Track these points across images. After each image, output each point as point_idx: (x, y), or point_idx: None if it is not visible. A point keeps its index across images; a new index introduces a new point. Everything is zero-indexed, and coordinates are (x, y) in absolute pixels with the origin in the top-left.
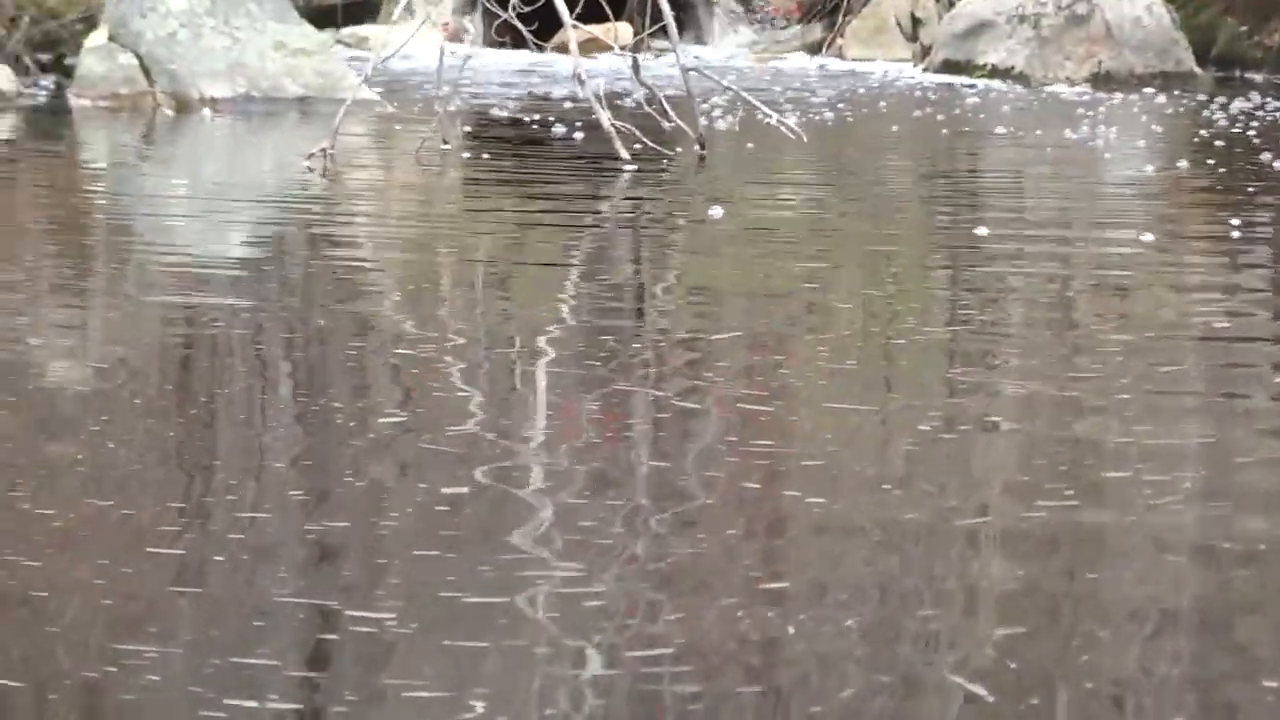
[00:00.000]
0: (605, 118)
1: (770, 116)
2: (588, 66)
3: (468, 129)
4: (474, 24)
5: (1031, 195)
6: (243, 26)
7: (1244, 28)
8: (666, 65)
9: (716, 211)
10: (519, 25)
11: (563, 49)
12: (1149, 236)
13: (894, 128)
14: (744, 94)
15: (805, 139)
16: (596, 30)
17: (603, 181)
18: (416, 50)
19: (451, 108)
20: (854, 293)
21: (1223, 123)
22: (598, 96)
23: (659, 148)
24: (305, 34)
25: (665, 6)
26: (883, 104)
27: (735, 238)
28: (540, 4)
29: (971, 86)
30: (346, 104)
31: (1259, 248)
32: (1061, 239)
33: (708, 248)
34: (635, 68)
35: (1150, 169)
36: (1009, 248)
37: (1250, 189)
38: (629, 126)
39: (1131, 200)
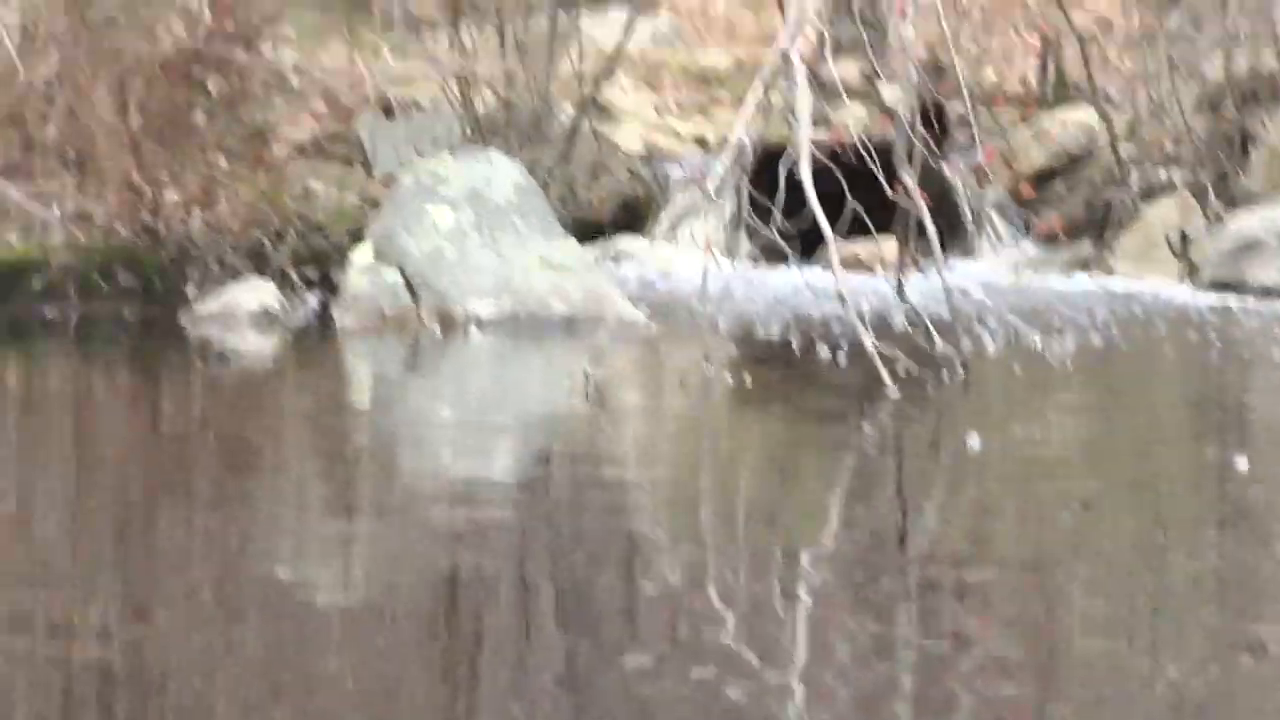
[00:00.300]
0: (868, 340)
1: (1035, 340)
2: (853, 285)
3: (731, 351)
4: (740, 241)
5: None
6: (508, 243)
7: None
8: (934, 283)
9: (975, 442)
10: (781, 243)
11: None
12: None
13: (1164, 351)
14: (1008, 316)
15: (1070, 364)
16: (860, 249)
17: (865, 407)
18: (681, 268)
19: (717, 329)
20: (1113, 530)
21: None
22: (861, 317)
23: (923, 371)
24: (570, 250)
25: (930, 226)
26: (1152, 326)
27: (994, 469)
28: (806, 223)
29: (1243, 308)
30: (609, 325)
31: None
32: None
33: (964, 480)
34: (899, 287)
35: None
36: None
37: None
38: (892, 349)
39: None
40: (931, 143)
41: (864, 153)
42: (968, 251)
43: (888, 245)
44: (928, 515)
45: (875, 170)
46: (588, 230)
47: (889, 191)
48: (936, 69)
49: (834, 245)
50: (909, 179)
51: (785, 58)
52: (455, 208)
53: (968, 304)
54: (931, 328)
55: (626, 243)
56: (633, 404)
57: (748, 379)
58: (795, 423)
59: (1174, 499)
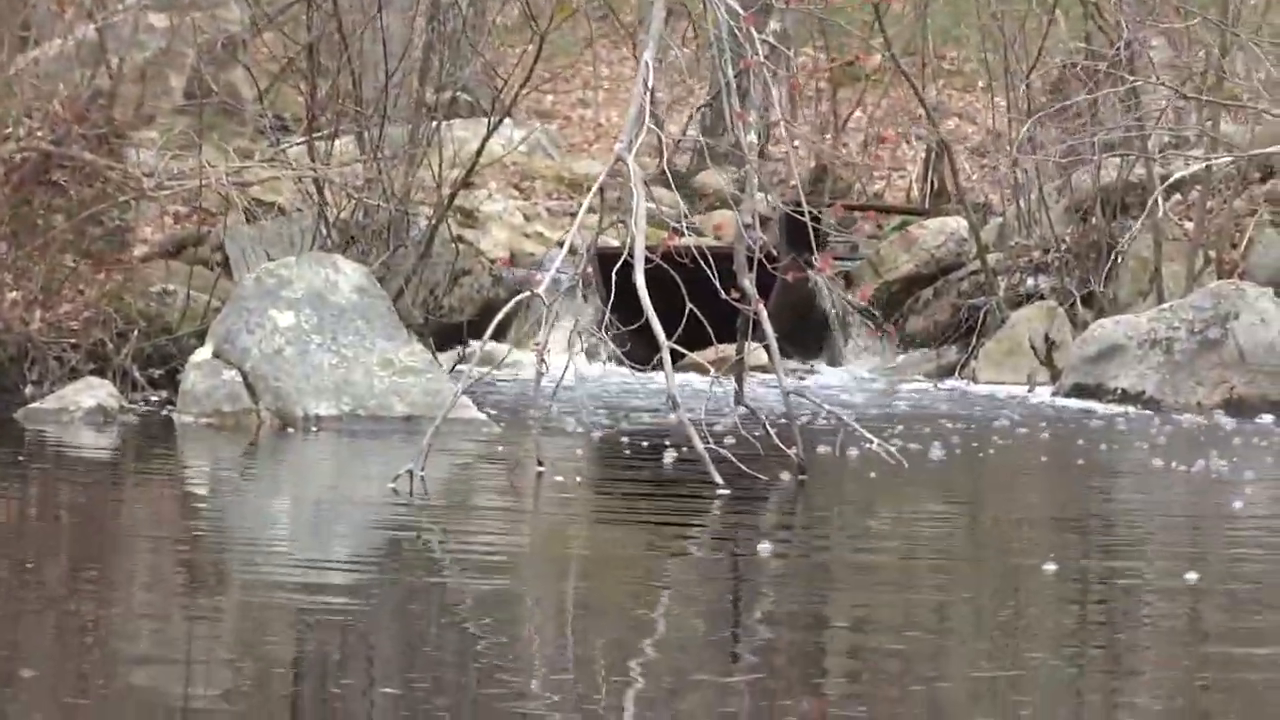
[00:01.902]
0: (698, 443)
1: (871, 442)
2: (700, 387)
3: (575, 451)
4: (602, 345)
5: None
6: (350, 344)
7: None
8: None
9: (765, 548)
10: (611, 346)
11: (696, 368)
12: (1191, 576)
13: (1012, 458)
14: (844, 417)
15: (906, 465)
16: (706, 354)
17: (692, 509)
18: (550, 370)
19: (568, 428)
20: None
21: None
22: (693, 421)
23: (755, 473)
24: (413, 352)
25: (768, 329)
26: (1007, 431)
27: (782, 577)
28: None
29: (1099, 412)
30: (435, 425)
31: None
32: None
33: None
34: (738, 392)
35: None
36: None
37: None
38: (725, 451)
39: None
40: (804, 250)
41: (701, 260)
42: (834, 359)
43: (755, 350)
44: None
45: (712, 277)
46: (449, 335)
47: (724, 296)
48: (820, 179)
49: (666, 349)
50: (747, 284)
51: (620, 160)
52: (296, 309)
53: (813, 408)
54: (770, 431)
55: (487, 346)
56: (456, 503)
57: (578, 479)
58: (616, 524)
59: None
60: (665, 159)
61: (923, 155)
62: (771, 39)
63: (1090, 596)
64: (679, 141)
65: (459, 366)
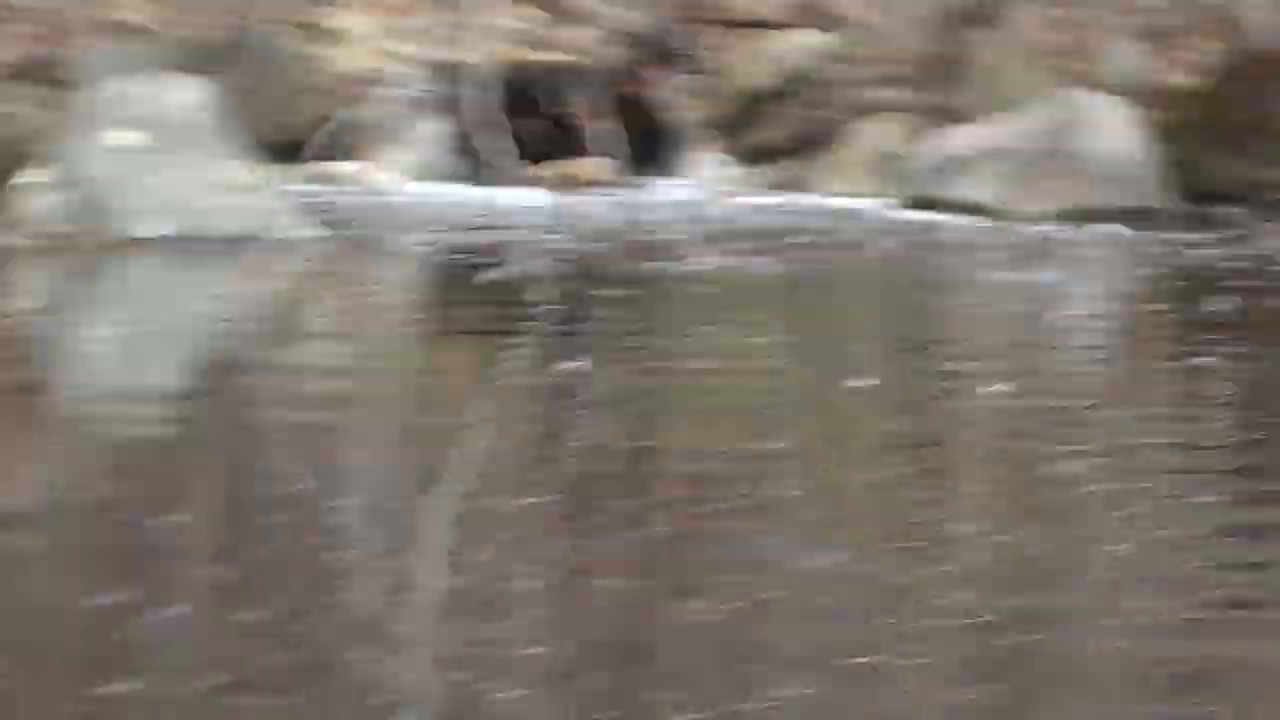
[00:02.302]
0: (524, 258)
1: (689, 256)
2: (540, 203)
3: (410, 270)
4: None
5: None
6: (188, 163)
7: (1236, 163)
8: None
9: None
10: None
11: (559, 185)
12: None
13: (848, 269)
14: (672, 232)
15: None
16: (577, 167)
17: (513, 328)
18: (386, 189)
19: (401, 249)
20: None
21: (1191, 263)
22: (525, 238)
23: (580, 288)
24: (250, 171)
25: (606, 147)
26: (846, 244)
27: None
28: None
29: (939, 223)
30: (260, 242)
31: None
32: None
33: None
34: (567, 207)
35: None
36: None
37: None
38: (554, 265)
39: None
40: (653, 66)
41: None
42: (677, 171)
43: (596, 163)
44: None
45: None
46: (294, 151)
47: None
48: None
49: (498, 165)
50: (584, 101)
51: None
52: (133, 129)
53: (643, 221)
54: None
55: (333, 165)
56: (288, 319)
57: (411, 296)
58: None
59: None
60: None
61: None
62: None
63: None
64: None
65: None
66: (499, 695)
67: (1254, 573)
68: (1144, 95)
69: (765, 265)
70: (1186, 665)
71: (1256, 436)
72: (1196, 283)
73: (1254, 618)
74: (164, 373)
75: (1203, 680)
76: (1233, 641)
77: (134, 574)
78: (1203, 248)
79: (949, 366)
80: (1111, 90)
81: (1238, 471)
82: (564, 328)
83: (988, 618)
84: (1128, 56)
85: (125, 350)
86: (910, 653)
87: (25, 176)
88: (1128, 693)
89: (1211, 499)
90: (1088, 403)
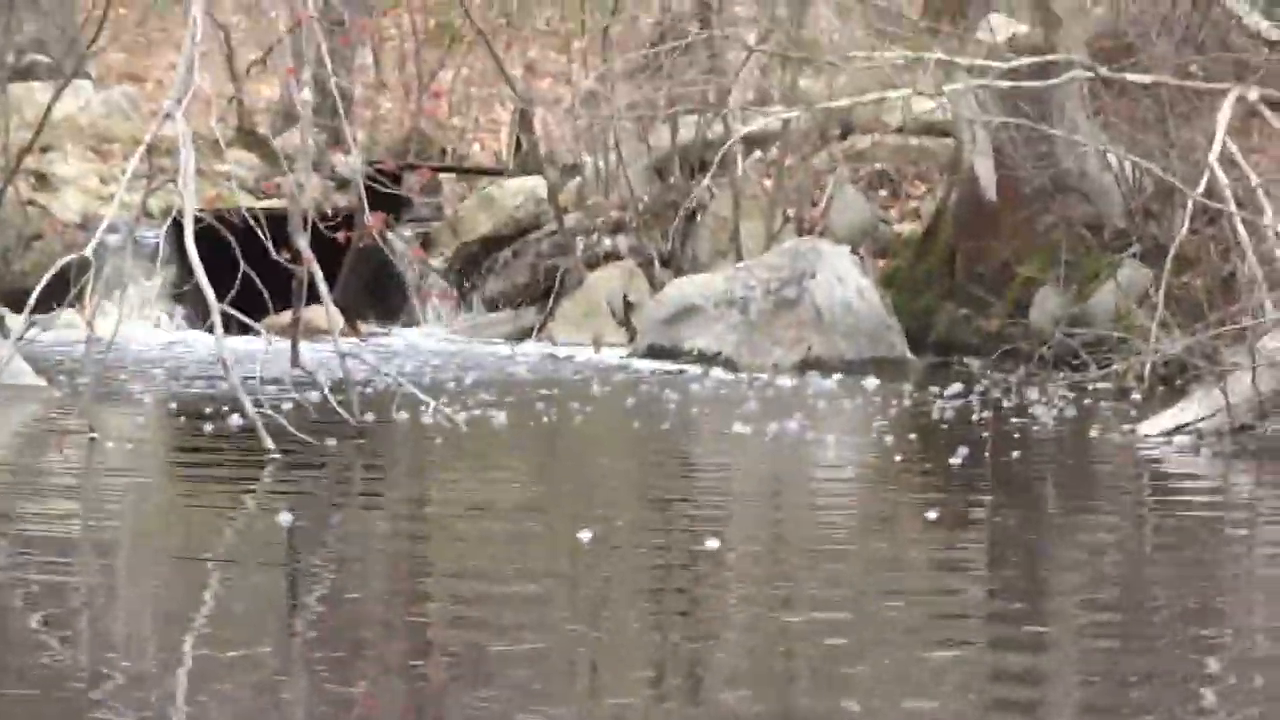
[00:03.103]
0: (248, 405)
1: (427, 406)
2: (256, 350)
3: (133, 418)
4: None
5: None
6: None
7: (964, 312)
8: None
9: (286, 518)
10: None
11: (282, 331)
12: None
13: (579, 419)
14: (401, 380)
15: (465, 429)
16: (308, 314)
17: (238, 475)
18: (111, 335)
19: (125, 395)
20: None
21: (930, 414)
22: (245, 384)
23: (307, 438)
24: None
25: (324, 291)
26: (577, 391)
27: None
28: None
29: (677, 373)
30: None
31: None
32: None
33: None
34: (294, 354)
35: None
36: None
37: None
38: (278, 416)
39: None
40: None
41: (253, 222)
42: (411, 320)
43: (335, 311)
44: None
45: (265, 240)
46: (21, 299)
47: (275, 256)
48: (419, 140)
49: (216, 311)
50: (302, 244)
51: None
52: None
53: (370, 372)
54: (327, 394)
55: (58, 312)
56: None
57: (127, 446)
58: (165, 488)
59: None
60: (219, 119)
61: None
62: None
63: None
64: (235, 99)
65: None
66: None
67: None
68: (873, 243)
69: (504, 416)
70: None
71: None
72: (944, 434)
73: None
74: None
75: None
76: None
77: None
78: (941, 399)
79: (675, 516)
80: (840, 239)
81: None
82: (297, 478)
83: None
84: (856, 205)
85: None
86: None
87: None
88: None
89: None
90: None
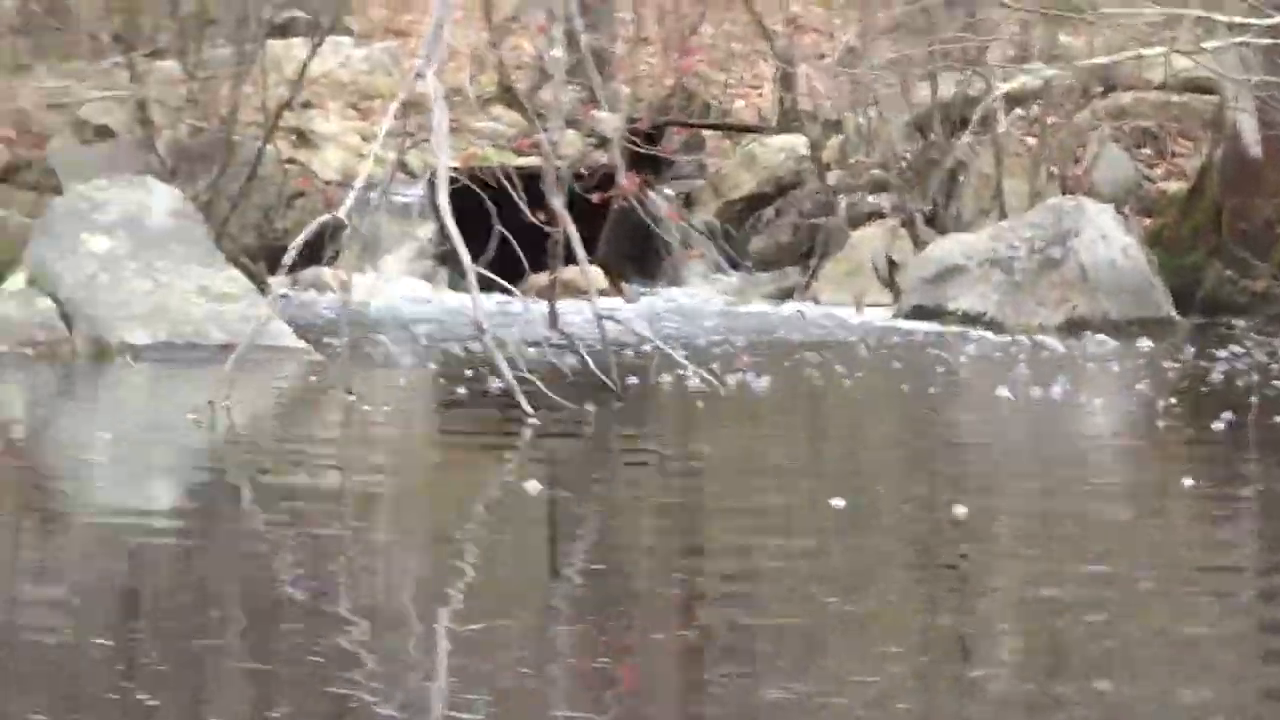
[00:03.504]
0: (505, 370)
1: (686, 369)
2: (515, 312)
3: (395, 378)
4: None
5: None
6: (165, 270)
7: (1229, 272)
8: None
9: (534, 487)
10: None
11: (540, 293)
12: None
13: (846, 382)
14: (659, 343)
15: (721, 391)
16: (567, 274)
17: (500, 439)
18: (372, 295)
19: (385, 357)
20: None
21: (1195, 376)
22: (500, 345)
23: (564, 401)
24: (231, 278)
25: (580, 252)
26: (842, 353)
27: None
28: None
29: (939, 335)
30: (235, 355)
31: None
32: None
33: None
34: (551, 316)
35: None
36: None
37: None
38: (535, 379)
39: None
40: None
41: (506, 182)
42: (676, 280)
43: (594, 272)
44: None
45: (519, 199)
46: (277, 259)
47: (530, 217)
48: (683, 96)
49: (471, 273)
50: (557, 204)
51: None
52: (110, 234)
53: (629, 333)
54: (586, 355)
55: (322, 270)
56: (260, 431)
57: (385, 408)
58: (422, 451)
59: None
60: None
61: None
62: None
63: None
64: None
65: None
66: None
67: None
68: (1137, 201)
69: (766, 379)
70: None
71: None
72: (1208, 398)
73: None
74: (168, 487)
75: None
76: None
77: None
78: (1210, 360)
79: (937, 484)
80: (1104, 198)
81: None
82: (552, 445)
83: None
84: (1120, 163)
85: (123, 464)
86: None
87: (9, 283)
88: None
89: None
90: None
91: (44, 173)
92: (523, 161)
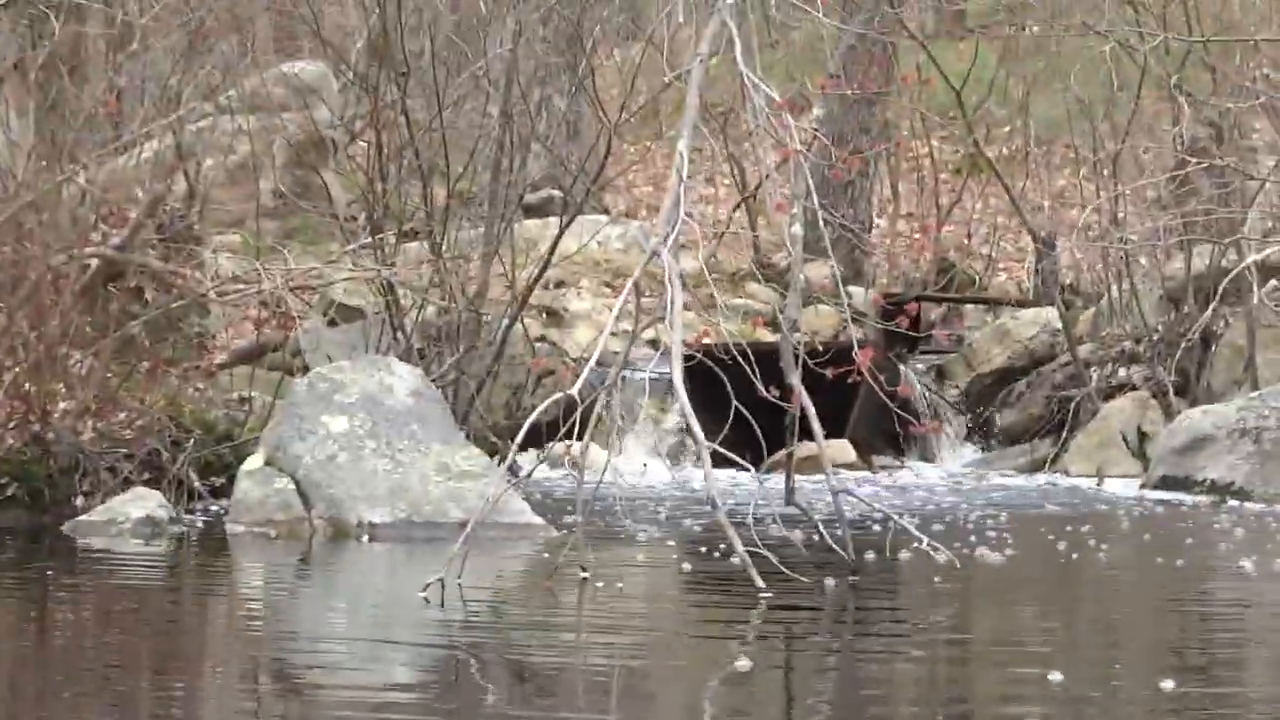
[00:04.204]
0: (738, 544)
1: (921, 541)
2: (751, 488)
3: (628, 555)
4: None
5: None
6: (405, 449)
7: None
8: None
9: (744, 664)
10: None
11: (775, 468)
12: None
13: (1100, 555)
14: (895, 517)
15: (958, 565)
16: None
17: (730, 613)
18: (618, 473)
19: (621, 532)
20: None
21: None
22: (735, 523)
23: (797, 575)
24: (470, 456)
25: (816, 427)
26: (1089, 527)
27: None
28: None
29: (1191, 504)
30: (467, 531)
31: None
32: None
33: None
34: (788, 490)
35: None
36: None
37: None
38: (767, 553)
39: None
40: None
41: (740, 358)
42: (926, 454)
43: (839, 447)
44: None
45: (753, 375)
46: (531, 437)
47: (763, 392)
48: (940, 269)
49: (706, 450)
50: (794, 380)
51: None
52: (350, 414)
53: (864, 508)
54: (823, 530)
55: (559, 448)
56: (487, 609)
57: (619, 586)
58: (648, 630)
59: None
60: (704, 253)
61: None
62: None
63: None
64: (720, 234)
65: (516, 469)
66: None
67: None
68: None
69: (1003, 552)
70: None
71: None
72: None
73: None
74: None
75: None
76: None
77: None
78: None
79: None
80: None
81: None
82: (785, 618)
83: None
84: None
85: (356, 641)
86: None
87: (248, 463)
88: None
89: None
90: None
91: (292, 354)
92: (764, 337)
